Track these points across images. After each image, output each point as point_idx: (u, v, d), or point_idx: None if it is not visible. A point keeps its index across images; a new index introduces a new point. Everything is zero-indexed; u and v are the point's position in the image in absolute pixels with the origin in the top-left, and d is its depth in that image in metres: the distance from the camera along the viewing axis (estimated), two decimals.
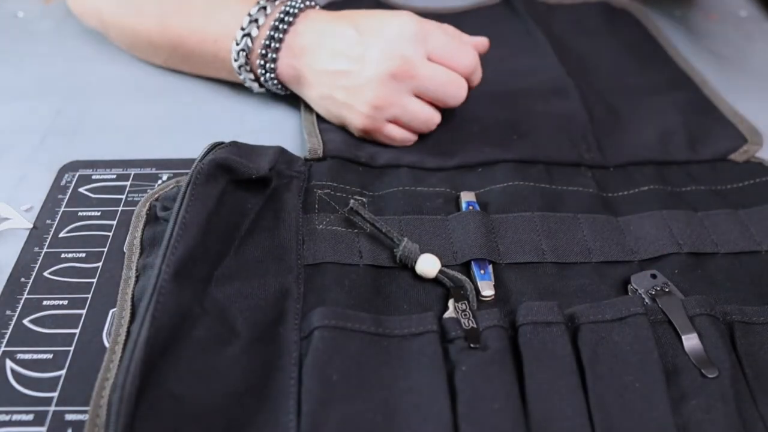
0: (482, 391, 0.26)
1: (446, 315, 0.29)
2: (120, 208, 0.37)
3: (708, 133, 0.42)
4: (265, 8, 0.40)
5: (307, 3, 0.41)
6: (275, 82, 0.41)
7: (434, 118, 0.39)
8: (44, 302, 0.32)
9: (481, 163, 0.39)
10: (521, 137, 0.41)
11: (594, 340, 0.27)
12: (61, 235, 0.35)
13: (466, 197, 0.36)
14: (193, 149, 0.38)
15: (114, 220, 0.36)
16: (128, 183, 0.39)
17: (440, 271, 0.32)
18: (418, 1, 0.54)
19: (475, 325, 0.28)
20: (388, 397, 0.26)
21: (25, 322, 0.31)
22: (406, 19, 0.38)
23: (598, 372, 0.26)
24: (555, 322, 0.28)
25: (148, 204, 0.36)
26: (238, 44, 0.40)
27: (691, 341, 0.28)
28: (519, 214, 0.35)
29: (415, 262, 0.32)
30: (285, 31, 0.39)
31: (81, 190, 0.38)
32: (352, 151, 0.39)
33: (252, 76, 0.41)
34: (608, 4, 0.55)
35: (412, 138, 0.40)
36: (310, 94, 0.40)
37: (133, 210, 0.36)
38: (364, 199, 0.36)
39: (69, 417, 0.27)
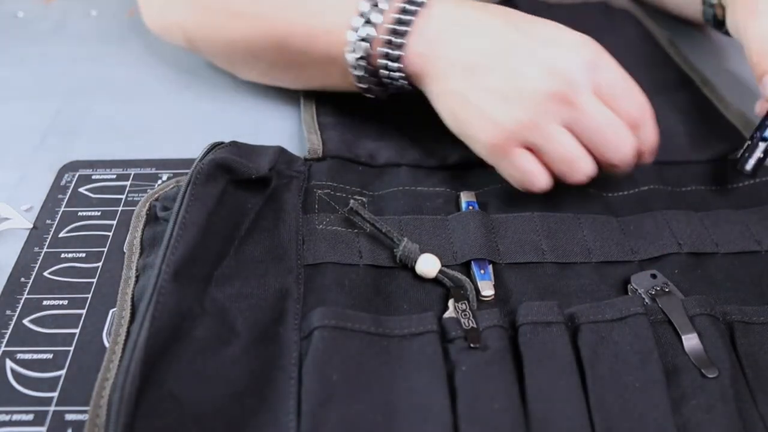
0: (482, 391, 0.26)
1: (446, 315, 0.29)
2: (120, 208, 0.37)
3: (708, 133, 0.42)
4: None
5: None
6: (400, 74, 0.35)
7: (583, 164, 0.32)
8: (44, 302, 0.32)
9: (481, 163, 0.39)
10: None
11: (594, 340, 0.27)
12: (61, 235, 0.35)
13: (466, 197, 0.36)
14: (193, 149, 0.38)
15: (114, 220, 0.36)
16: (128, 183, 0.39)
17: (440, 271, 0.32)
18: None
19: (475, 325, 0.28)
20: (388, 397, 0.26)
21: (25, 322, 0.31)
22: (586, 39, 0.32)
23: (598, 372, 0.26)
24: (555, 322, 0.28)
25: (148, 204, 0.36)
26: (356, 32, 0.34)
27: (691, 341, 0.28)
28: (519, 214, 0.35)
29: (415, 262, 0.32)
30: (415, 13, 0.34)
31: (81, 190, 0.38)
32: (351, 150, 0.39)
33: (368, 72, 0.36)
34: (607, 5, 0.54)
35: (543, 179, 0.33)
36: (436, 88, 0.34)
37: (133, 210, 0.36)
38: (363, 199, 0.36)
39: (69, 417, 0.27)
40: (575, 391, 0.26)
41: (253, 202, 0.34)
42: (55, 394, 0.28)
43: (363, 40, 0.35)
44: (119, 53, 0.50)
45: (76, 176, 0.39)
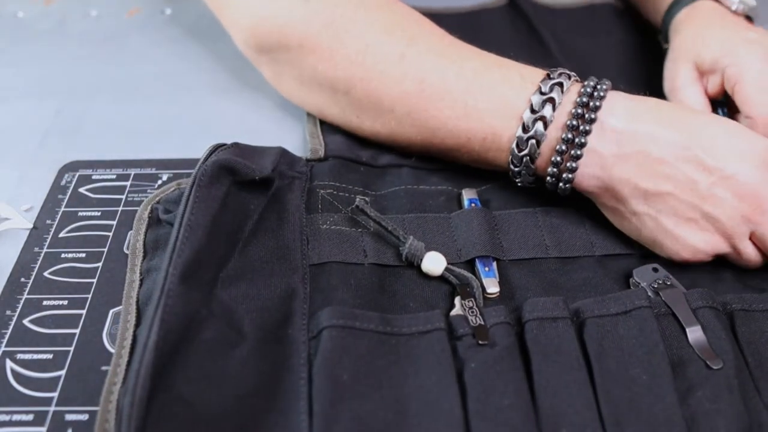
0: (492, 387, 0.26)
1: (453, 312, 0.29)
2: (120, 208, 0.37)
3: None
4: (552, 99, 0.31)
5: (607, 83, 0.31)
6: (568, 188, 0.32)
7: (756, 264, 0.32)
8: (44, 302, 0.31)
9: None
10: None
11: (600, 334, 0.28)
12: (61, 235, 0.35)
13: (468, 194, 0.37)
14: (193, 149, 0.38)
15: (114, 220, 0.36)
16: (128, 183, 0.39)
17: (446, 269, 0.32)
18: (423, 1, 0.54)
19: (482, 322, 0.28)
20: (398, 396, 0.26)
21: (25, 322, 0.30)
22: (756, 141, 0.30)
23: (604, 365, 0.27)
24: (561, 317, 0.28)
25: (149, 207, 0.35)
26: (521, 149, 0.32)
27: (695, 333, 0.28)
28: (521, 210, 0.35)
29: (421, 260, 0.32)
30: (587, 133, 0.30)
31: (81, 190, 0.38)
32: (353, 151, 0.39)
33: (529, 178, 0.34)
34: (610, 6, 0.55)
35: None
36: (615, 206, 0.32)
37: (133, 210, 0.36)
38: (367, 198, 0.36)
39: (69, 417, 0.27)
40: (583, 385, 0.26)
41: (256, 203, 0.33)
42: (55, 394, 0.27)
43: (528, 155, 0.32)
44: (119, 53, 0.50)
45: (76, 176, 0.39)
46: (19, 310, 0.31)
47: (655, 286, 0.31)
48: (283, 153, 0.37)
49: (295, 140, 0.42)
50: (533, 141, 0.32)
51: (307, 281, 0.31)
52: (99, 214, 0.36)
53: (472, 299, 0.29)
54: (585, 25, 0.52)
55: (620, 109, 0.31)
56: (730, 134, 0.31)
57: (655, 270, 0.32)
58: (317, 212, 0.34)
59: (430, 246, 0.33)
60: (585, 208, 0.36)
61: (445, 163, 0.39)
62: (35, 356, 0.29)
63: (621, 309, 0.28)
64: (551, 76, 0.32)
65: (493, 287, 0.31)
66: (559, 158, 0.31)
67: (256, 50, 0.39)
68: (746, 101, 0.36)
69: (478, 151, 0.35)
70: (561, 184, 0.32)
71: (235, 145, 0.35)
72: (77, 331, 0.30)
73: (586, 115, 0.31)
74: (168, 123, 0.43)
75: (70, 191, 0.38)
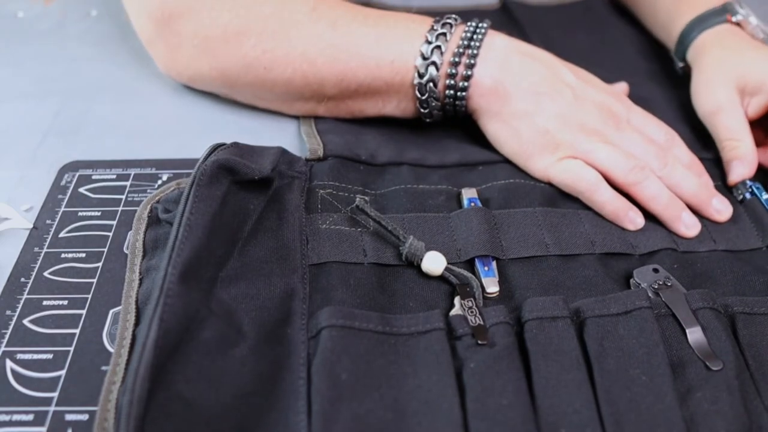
0: (491, 387, 0.26)
1: (453, 312, 0.29)
2: (120, 208, 0.37)
3: (709, 132, 0.43)
4: (450, 24, 0.38)
5: (488, 23, 0.39)
6: (466, 96, 0.37)
7: (623, 163, 0.37)
8: (44, 302, 0.31)
9: (481, 162, 0.39)
10: None
11: (600, 334, 0.28)
12: (61, 235, 0.35)
13: (468, 194, 0.37)
14: (193, 149, 0.38)
15: (114, 220, 0.36)
16: (128, 183, 0.39)
17: (446, 269, 0.31)
18: (415, 0, 0.54)
19: (482, 322, 0.28)
20: (397, 395, 0.26)
21: (25, 322, 0.30)
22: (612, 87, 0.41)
23: (604, 366, 0.27)
24: (560, 316, 0.28)
25: (149, 206, 0.35)
26: (425, 58, 0.37)
27: (695, 334, 0.28)
28: (521, 209, 0.35)
29: (422, 259, 0.32)
30: (481, 41, 0.37)
31: (81, 190, 0.38)
32: (352, 150, 0.39)
33: (433, 96, 0.38)
34: (606, 2, 0.55)
35: (592, 174, 0.36)
36: (502, 108, 0.37)
37: (133, 210, 0.36)
38: (366, 198, 0.36)
39: (69, 417, 0.27)
40: (583, 384, 0.26)
41: (256, 203, 0.33)
42: (55, 394, 0.27)
43: (432, 64, 0.37)
44: (119, 53, 0.50)
45: (76, 176, 0.39)
46: (19, 310, 0.31)
47: (656, 286, 0.31)
48: (282, 153, 0.37)
49: (294, 140, 0.42)
50: (438, 52, 0.37)
51: (307, 281, 0.31)
52: (99, 214, 0.36)
53: (472, 299, 0.29)
54: (579, 22, 0.52)
55: (502, 38, 0.39)
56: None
57: (656, 270, 0.32)
58: (317, 212, 0.34)
59: (430, 245, 0.33)
60: (585, 207, 0.36)
61: (445, 162, 0.39)
62: (35, 356, 0.29)
63: (621, 309, 0.28)
64: (446, 16, 0.39)
65: (492, 287, 0.31)
66: (458, 60, 0.37)
67: (157, 20, 0.40)
68: None
69: (385, 79, 0.38)
70: (461, 84, 0.37)
71: (235, 144, 0.35)
72: (77, 331, 0.30)
73: (479, 28, 0.38)
74: (168, 123, 0.43)
75: (70, 191, 0.38)
